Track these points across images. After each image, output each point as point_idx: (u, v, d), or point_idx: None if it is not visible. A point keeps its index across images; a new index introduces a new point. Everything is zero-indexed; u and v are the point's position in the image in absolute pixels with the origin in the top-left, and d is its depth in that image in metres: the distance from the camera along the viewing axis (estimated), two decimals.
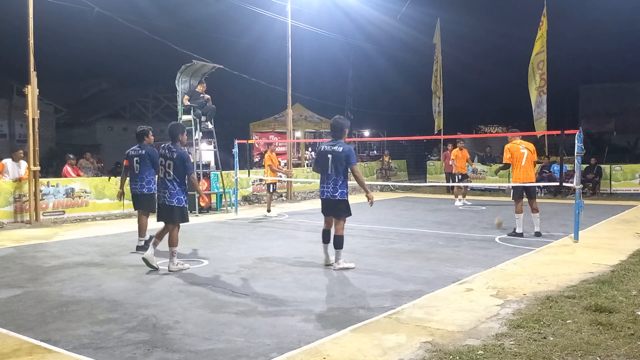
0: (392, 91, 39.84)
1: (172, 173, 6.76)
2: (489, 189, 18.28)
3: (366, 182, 7.15)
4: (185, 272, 6.81)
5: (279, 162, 14.38)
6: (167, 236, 6.92)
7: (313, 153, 26.49)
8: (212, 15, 30.68)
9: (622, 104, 36.54)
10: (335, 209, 6.82)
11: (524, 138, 9.61)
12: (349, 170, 6.73)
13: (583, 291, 5.60)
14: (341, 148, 6.66)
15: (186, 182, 6.96)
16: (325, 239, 7.09)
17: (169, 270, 6.79)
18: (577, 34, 38.64)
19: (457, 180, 15.04)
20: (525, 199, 9.24)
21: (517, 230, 9.27)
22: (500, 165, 10.11)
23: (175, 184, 6.80)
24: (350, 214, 6.90)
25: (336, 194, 6.71)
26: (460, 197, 14.93)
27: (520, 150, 9.17)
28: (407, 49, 32.74)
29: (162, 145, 7.06)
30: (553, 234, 9.33)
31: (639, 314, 4.83)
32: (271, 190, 12.95)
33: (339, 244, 6.78)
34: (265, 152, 13.95)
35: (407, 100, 38.58)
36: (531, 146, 9.36)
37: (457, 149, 15.30)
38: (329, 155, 6.68)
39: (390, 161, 23.36)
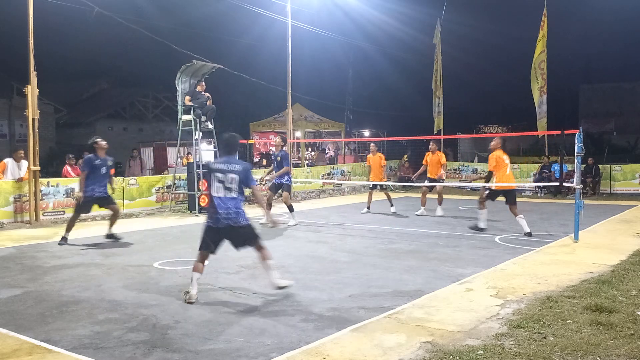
0: (392, 91, 39.82)
1: (236, 188, 5.80)
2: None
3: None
4: (184, 272, 6.81)
5: None
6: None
7: (313, 153, 26.57)
8: (212, 15, 30.74)
9: (622, 104, 36.47)
10: None
11: (524, 138, 9.89)
12: None
13: (583, 291, 5.61)
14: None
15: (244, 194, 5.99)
16: None
17: (278, 288, 5.76)
18: (577, 34, 38.73)
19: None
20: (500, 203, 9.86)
21: (479, 226, 9.82)
22: (486, 174, 10.51)
23: (239, 201, 5.84)
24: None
25: None
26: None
27: (504, 160, 9.70)
28: (407, 49, 32.76)
29: (215, 160, 6.05)
30: (553, 234, 9.33)
31: (639, 314, 4.83)
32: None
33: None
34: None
35: (407, 101, 38.55)
36: (507, 157, 9.95)
37: (429, 152, 12.90)
38: None
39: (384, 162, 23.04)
